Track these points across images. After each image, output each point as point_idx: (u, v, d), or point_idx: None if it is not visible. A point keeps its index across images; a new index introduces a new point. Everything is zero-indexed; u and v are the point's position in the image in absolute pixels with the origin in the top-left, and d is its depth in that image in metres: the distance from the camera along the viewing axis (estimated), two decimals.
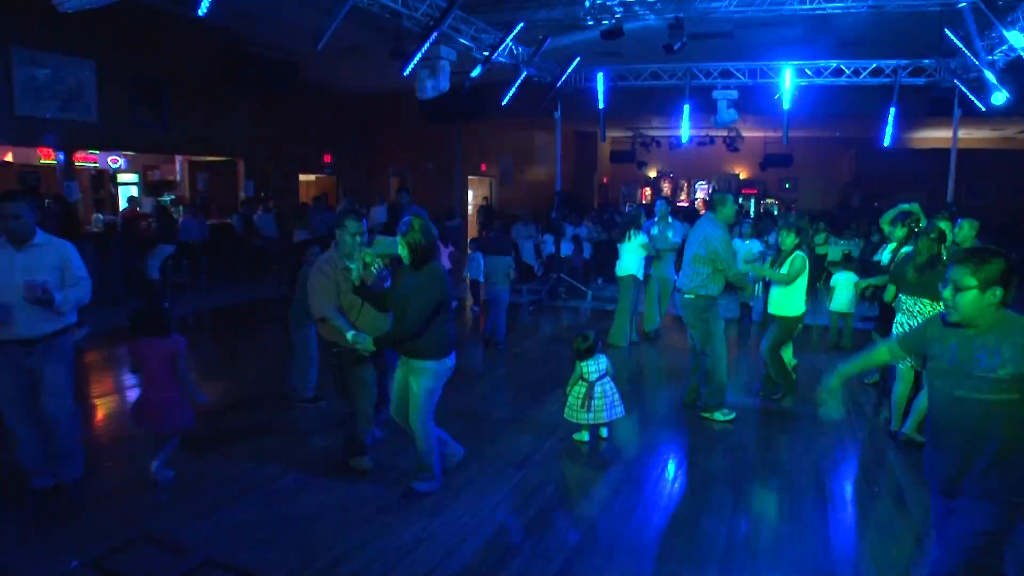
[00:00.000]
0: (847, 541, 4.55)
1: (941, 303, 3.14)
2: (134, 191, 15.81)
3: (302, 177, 19.52)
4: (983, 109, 12.08)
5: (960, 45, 10.77)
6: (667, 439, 6.39)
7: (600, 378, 5.97)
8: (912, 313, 5.95)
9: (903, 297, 6.10)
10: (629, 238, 9.35)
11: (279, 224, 15.19)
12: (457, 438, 5.36)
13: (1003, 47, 10.33)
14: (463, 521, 4.62)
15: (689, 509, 4.92)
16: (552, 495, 5.11)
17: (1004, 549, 2.92)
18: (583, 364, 6.00)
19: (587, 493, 5.21)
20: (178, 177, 16.34)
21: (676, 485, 5.42)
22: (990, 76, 10.72)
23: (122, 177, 15.94)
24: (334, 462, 5.44)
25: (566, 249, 15.11)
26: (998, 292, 2.89)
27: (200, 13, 7.66)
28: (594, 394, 5.91)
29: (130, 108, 12.85)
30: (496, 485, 5.19)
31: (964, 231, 7.32)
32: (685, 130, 14.54)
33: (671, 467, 5.78)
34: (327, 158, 19.45)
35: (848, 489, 5.40)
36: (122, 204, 15.03)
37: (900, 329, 5.97)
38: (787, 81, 12.90)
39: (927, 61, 12.35)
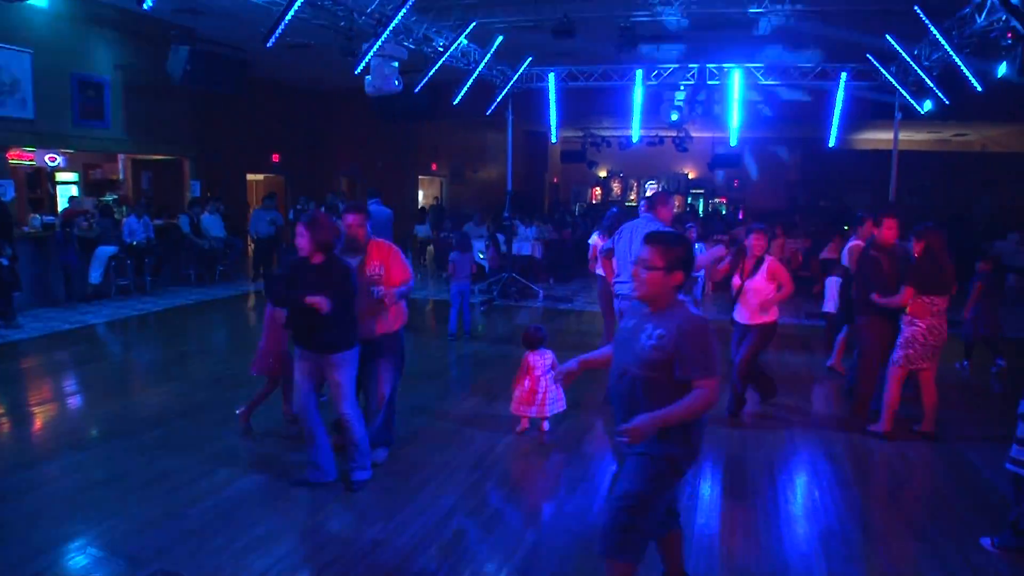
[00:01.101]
0: (799, 537, 4.62)
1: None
2: (74, 190, 15.34)
3: (250, 176, 19.20)
4: (921, 112, 12.42)
5: (900, 51, 11.07)
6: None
7: (544, 373, 6.01)
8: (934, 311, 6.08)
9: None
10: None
11: (227, 225, 14.91)
12: (414, 437, 5.32)
13: (938, 54, 10.64)
14: (419, 522, 4.57)
15: None
16: (508, 494, 5.09)
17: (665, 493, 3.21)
18: (529, 357, 6.09)
19: (543, 491, 5.20)
20: (121, 176, 15.90)
21: None
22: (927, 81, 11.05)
23: (61, 176, 15.44)
24: (284, 466, 5.35)
25: (520, 248, 15.11)
26: (679, 276, 3.11)
27: (145, 7, 7.47)
28: (538, 388, 5.98)
29: (69, 104, 12.45)
30: (452, 485, 5.15)
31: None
32: (635, 130, 14.64)
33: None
34: (275, 157, 19.16)
35: (801, 484, 5.47)
36: (61, 204, 14.56)
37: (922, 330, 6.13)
38: (736, 83, 13.09)
39: (870, 66, 12.63)
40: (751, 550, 4.36)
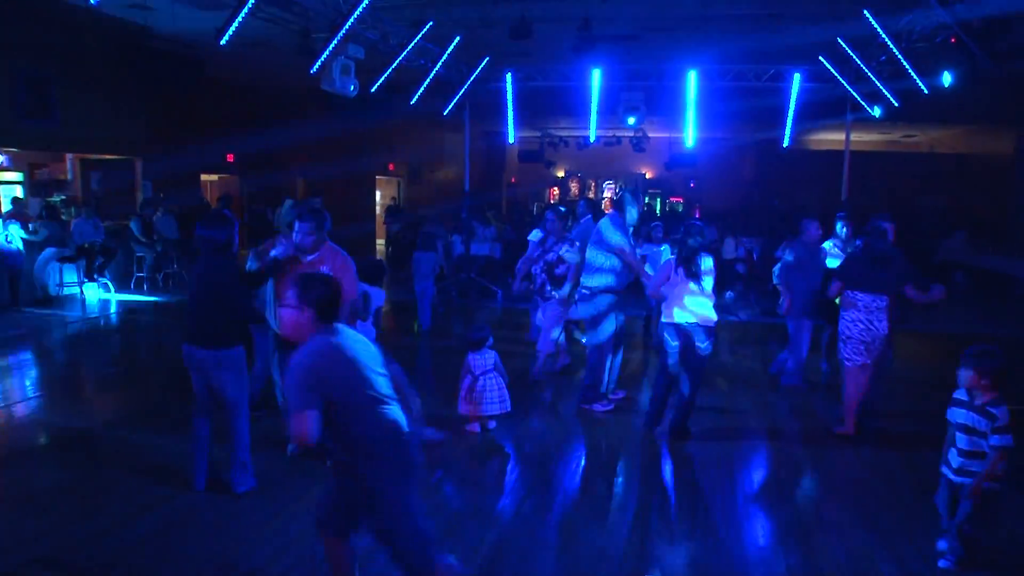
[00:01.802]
0: (758, 532, 4.68)
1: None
2: (18, 191, 14.93)
3: (204, 177, 18.88)
4: (875, 116, 12.70)
5: (851, 53, 11.30)
6: (577, 435, 6.44)
7: (484, 372, 6.09)
8: (856, 306, 6.11)
9: (847, 292, 6.24)
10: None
11: (180, 226, 14.63)
12: None
13: (886, 56, 10.89)
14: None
15: (601, 504, 4.98)
16: (468, 496, 5.08)
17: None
18: (470, 357, 6.16)
19: (500, 491, 5.22)
20: (69, 176, 15.53)
21: (588, 482, 5.46)
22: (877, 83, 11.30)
23: (4, 176, 15.02)
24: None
25: (478, 249, 15.08)
26: (310, 313, 3.09)
27: (92, 1, 7.30)
28: (476, 387, 6.07)
29: (13, 101, 12.11)
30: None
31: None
32: (593, 130, 14.72)
33: (582, 464, 5.82)
34: (230, 157, 18.86)
35: (759, 481, 5.55)
36: (4, 205, 14.16)
37: (846, 323, 6.16)
38: (692, 84, 13.24)
39: (823, 68, 12.86)
40: (710, 547, 4.41)
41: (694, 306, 5.96)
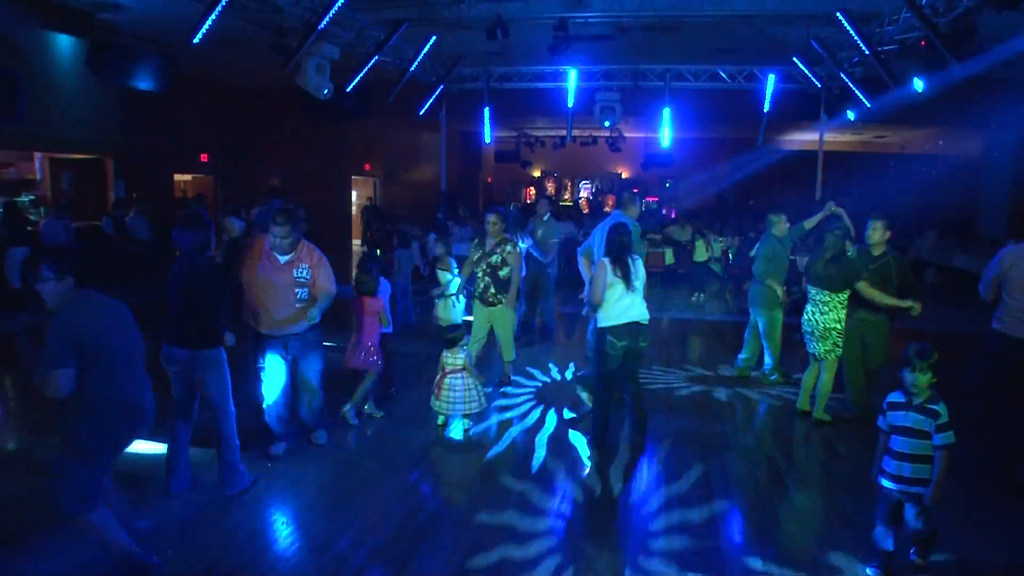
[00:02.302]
0: (733, 526, 4.71)
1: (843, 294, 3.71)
2: None
3: (177, 177, 18.69)
4: (851, 119, 12.85)
5: (824, 55, 11.43)
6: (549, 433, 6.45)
7: (454, 372, 6.14)
8: (816, 302, 6.41)
9: (810, 288, 6.52)
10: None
11: (153, 226, 14.47)
12: (348, 440, 5.30)
13: (859, 58, 11.02)
14: (354, 528, 4.53)
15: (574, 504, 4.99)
16: (447, 495, 5.07)
17: None
18: (443, 355, 6.25)
19: (470, 491, 5.23)
20: (38, 176, 15.30)
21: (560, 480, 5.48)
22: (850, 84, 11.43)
23: None
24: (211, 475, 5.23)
25: (455, 249, 15.00)
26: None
27: None
28: (443, 385, 6.13)
29: None
30: (387, 488, 5.12)
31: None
32: (569, 130, 14.76)
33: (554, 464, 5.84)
34: (204, 157, 18.69)
35: (737, 475, 5.59)
36: None
37: (808, 317, 6.47)
38: (667, 84, 13.33)
39: (797, 69, 12.99)
40: (687, 540, 4.45)
41: (630, 306, 5.84)
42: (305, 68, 10.13)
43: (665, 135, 14.25)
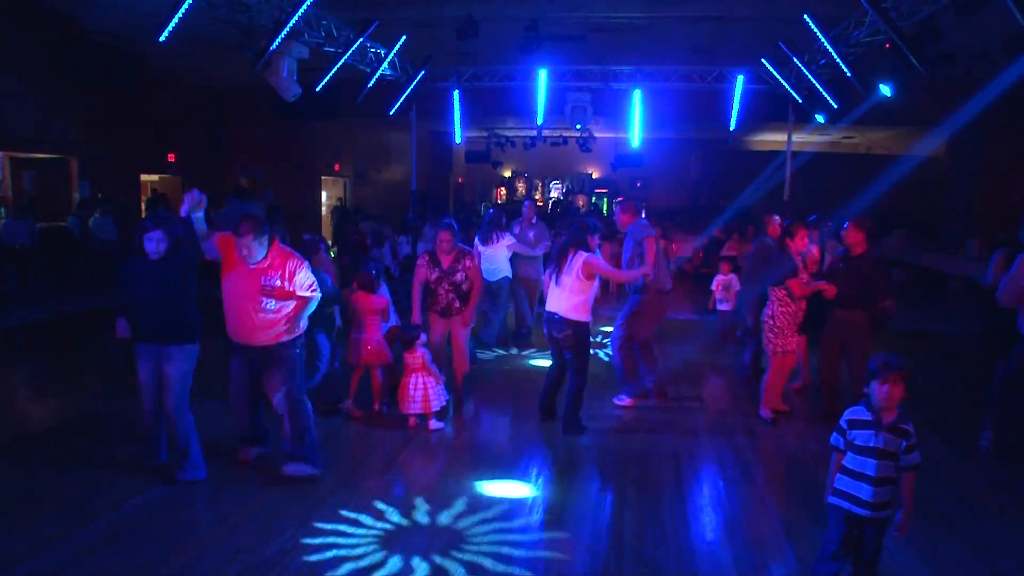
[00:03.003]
0: (704, 525, 4.74)
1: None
2: None
3: (144, 177, 18.42)
4: (822, 122, 13.02)
5: (792, 57, 11.56)
6: (532, 439, 6.45)
7: (414, 371, 6.30)
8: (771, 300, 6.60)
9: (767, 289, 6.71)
10: (495, 239, 9.30)
11: (120, 227, 14.24)
12: (321, 441, 5.29)
13: (826, 60, 11.17)
14: (327, 531, 4.49)
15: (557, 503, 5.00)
16: (421, 496, 5.05)
17: None
18: (405, 357, 6.40)
19: (441, 492, 5.20)
20: (0, 175, 15.01)
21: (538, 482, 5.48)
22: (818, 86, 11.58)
23: None
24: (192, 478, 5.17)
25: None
26: None
27: None
28: (407, 383, 6.30)
29: None
30: (358, 491, 5.09)
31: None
32: (539, 130, 14.79)
33: (536, 466, 5.84)
34: (171, 157, 18.43)
35: (705, 475, 5.62)
36: None
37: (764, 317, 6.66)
38: (637, 85, 13.41)
39: (766, 70, 13.13)
40: (658, 541, 4.46)
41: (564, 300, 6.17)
42: (275, 67, 10.03)
43: (635, 135, 14.31)
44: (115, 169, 16.03)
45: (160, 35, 8.53)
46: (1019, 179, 16.81)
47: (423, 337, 6.42)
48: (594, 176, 28.20)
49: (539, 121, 14.37)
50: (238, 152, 20.01)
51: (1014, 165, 16.77)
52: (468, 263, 6.87)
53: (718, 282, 9.94)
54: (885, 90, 10.05)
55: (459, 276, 6.80)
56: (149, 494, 4.94)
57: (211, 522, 4.65)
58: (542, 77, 13.84)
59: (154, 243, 4.86)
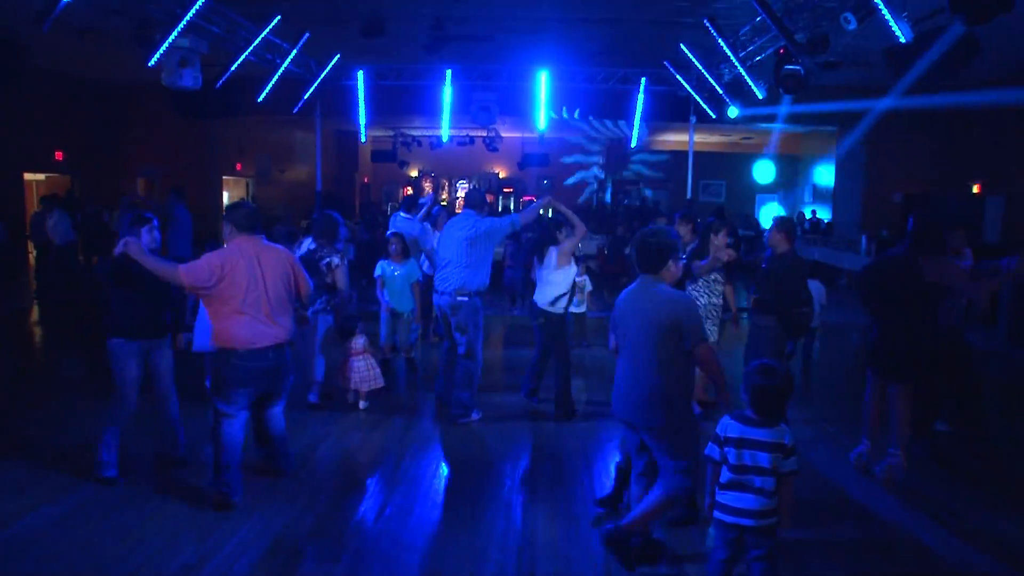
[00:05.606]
0: None
1: None
2: None
3: (28, 176, 17.48)
4: (714, 117, 13.43)
5: (694, 60, 11.90)
6: (452, 434, 6.45)
7: (353, 355, 6.94)
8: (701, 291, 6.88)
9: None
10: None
11: (6, 228, 13.51)
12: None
13: (727, 64, 11.55)
14: (241, 533, 4.41)
15: (464, 504, 5.02)
16: (332, 495, 4.98)
17: None
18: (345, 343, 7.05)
19: (365, 491, 5.20)
20: None
21: (452, 480, 5.48)
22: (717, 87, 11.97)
23: None
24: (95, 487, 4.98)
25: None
26: None
27: None
28: (348, 365, 6.94)
29: None
30: (274, 490, 5.00)
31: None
32: (445, 130, 14.77)
33: (446, 463, 5.84)
34: (59, 155, 17.55)
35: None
36: None
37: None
38: (543, 85, 13.54)
39: (669, 72, 13.45)
40: (572, 538, 4.53)
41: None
42: (171, 62, 9.66)
43: (541, 121, 14.32)
44: None
45: (44, 25, 8.05)
46: (901, 178, 17.82)
47: (360, 326, 7.06)
48: (501, 175, 28.34)
49: (445, 120, 14.35)
50: (135, 150, 19.22)
51: (900, 164, 17.74)
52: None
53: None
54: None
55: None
56: (51, 508, 4.70)
57: (139, 516, 4.47)
58: (448, 77, 13.84)
59: (152, 234, 5.08)
